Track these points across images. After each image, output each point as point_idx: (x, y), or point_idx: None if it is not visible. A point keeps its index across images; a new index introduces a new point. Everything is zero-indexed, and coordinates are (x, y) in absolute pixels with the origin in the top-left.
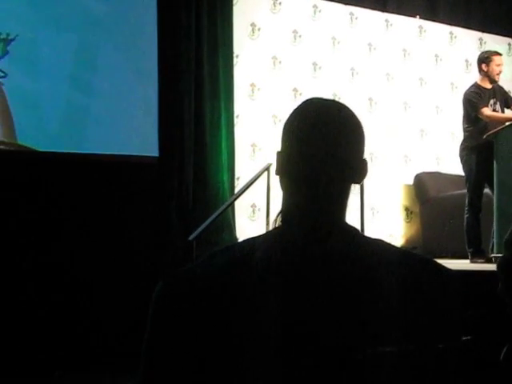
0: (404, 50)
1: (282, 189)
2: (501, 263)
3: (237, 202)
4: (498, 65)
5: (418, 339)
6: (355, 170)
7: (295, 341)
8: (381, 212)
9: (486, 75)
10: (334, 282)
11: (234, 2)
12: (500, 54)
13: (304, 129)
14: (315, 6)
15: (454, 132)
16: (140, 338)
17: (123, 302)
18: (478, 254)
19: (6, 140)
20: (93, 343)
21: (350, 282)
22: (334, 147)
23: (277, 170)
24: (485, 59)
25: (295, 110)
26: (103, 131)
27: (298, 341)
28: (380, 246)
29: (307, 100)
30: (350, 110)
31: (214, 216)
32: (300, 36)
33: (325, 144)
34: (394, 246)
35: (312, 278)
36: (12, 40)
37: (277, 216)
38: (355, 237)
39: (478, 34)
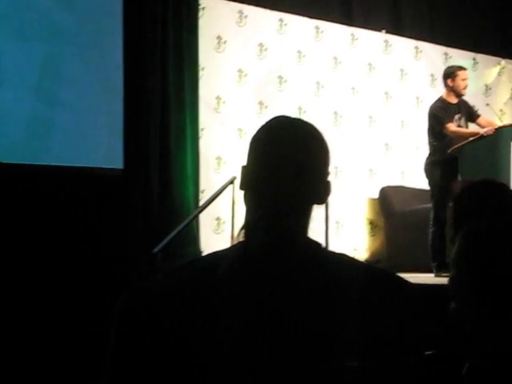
0: (369, 64)
1: (245, 203)
2: (449, 282)
3: (201, 215)
4: (464, 79)
5: (379, 353)
6: (318, 191)
7: (257, 353)
8: (345, 225)
9: (452, 90)
10: (295, 296)
11: (200, 14)
12: (465, 69)
13: (270, 146)
14: (281, 20)
15: (418, 146)
16: (103, 351)
17: (86, 314)
18: (443, 268)
19: None
20: (53, 356)
21: (311, 296)
22: (298, 167)
23: (241, 185)
24: (450, 74)
25: (263, 126)
26: (68, 143)
27: (259, 354)
28: (342, 260)
29: (275, 117)
30: (317, 130)
31: (178, 229)
32: (266, 49)
33: (289, 163)
34: (356, 260)
35: (274, 293)
36: None
37: (240, 230)
38: (317, 251)
39: (444, 49)
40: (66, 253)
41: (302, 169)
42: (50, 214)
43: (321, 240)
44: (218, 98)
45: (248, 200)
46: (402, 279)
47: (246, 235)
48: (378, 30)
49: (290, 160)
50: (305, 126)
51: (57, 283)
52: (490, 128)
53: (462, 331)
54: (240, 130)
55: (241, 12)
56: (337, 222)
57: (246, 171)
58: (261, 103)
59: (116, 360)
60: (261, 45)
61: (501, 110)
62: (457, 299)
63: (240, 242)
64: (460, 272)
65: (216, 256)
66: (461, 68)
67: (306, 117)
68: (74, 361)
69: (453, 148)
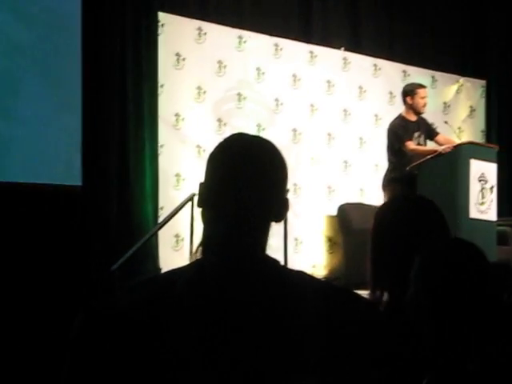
0: (328, 82)
1: (203, 220)
2: (407, 299)
3: (160, 232)
4: (423, 97)
5: (338, 370)
6: (276, 208)
7: (216, 371)
8: (304, 242)
9: (411, 108)
10: (253, 314)
11: (159, 31)
12: (424, 87)
13: (227, 163)
14: (240, 37)
15: (377, 164)
16: (59, 372)
17: (44, 333)
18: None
19: None
20: (9, 379)
21: (269, 314)
22: (255, 185)
23: (198, 202)
24: (409, 92)
25: (220, 143)
26: (26, 159)
27: (218, 371)
28: (300, 277)
29: (233, 134)
30: (275, 148)
31: (137, 246)
32: (225, 66)
33: (246, 180)
34: (314, 278)
35: (231, 310)
36: None
37: (197, 248)
38: (275, 268)
39: (402, 67)
40: (23, 270)
41: (260, 186)
42: (6, 231)
43: (280, 257)
44: (177, 114)
45: (205, 217)
46: (360, 296)
47: (204, 253)
48: (337, 47)
49: (247, 177)
50: (263, 144)
51: (12, 302)
52: (448, 145)
53: (420, 347)
54: (199, 146)
55: (200, 29)
56: (295, 239)
57: (204, 188)
58: (220, 120)
59: (72, 381)
60: (220, 62)
61: (459, 128)
62: (414, 315)
63: (198, 260)
64: (418, 289)
65: (174, 273)
66: (420, 86)
67: (264, 134)
68: (29, 381)
69: (412, 165)
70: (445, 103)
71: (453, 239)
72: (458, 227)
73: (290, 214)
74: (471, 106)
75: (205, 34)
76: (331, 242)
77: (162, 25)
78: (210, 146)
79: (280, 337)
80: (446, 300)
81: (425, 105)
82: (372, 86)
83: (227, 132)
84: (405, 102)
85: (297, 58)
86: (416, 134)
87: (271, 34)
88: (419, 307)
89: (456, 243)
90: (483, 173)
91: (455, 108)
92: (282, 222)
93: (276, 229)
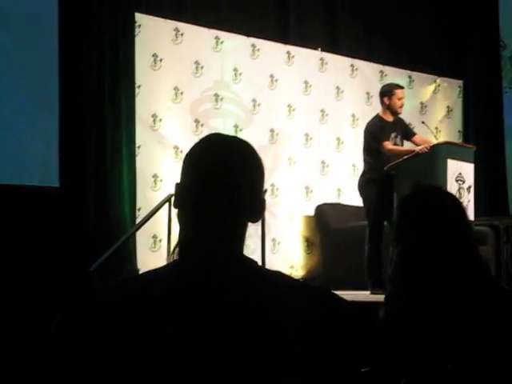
0: (306, 82)
1: (179, 221)
2: (385, 298)
3: (138, 233)
4: (400, 98)
5: (314, 370)
6: (252, 209)
7: (194, 371)
8: (282, 243)
9: (388, 108)
10: (230, 314)
11: (136, 32)
12: (402, 88)
13: (203, 163)
14: (217, 38)
15: (355, 164)
16: (37, 372)
17: (21, 334)
18: (378, 285)
19: None
20: None
21: (246, 314)
22: (231, 185)
23: (174, 202)
24: (387, 92)
25: (196, 143)
26: (3, 161)
27: (196, 371)
28: (278, 277)
29: (209, 135)
30: (252, 148)
31: (114, 247)
32: (202, 67)
33: (223, 181)
34: (291, 278)
35: (208, 311)
36: None
37: (174, 248)
38: (252, 269)
39: (379, 67)
40: (1, 272)
41: (236, 186)
42: None
43: (257, 257)
44: (154, 115)
45: (182, 218)
46: (337, 296)
47: (180, 253)
48: (314, 48)
49: (222, 177)
50: (239, 144)
51: None
52: (425, 145)
53: (397, 348)
54: (176, 147)
55: (177, 30)
56: (273, 240)
57: (180, 189)
58: (197, 121)
59: (50, 381)
60: (197, 62)
61: (436, 128)
62: (392, 315)
63: (175, 261)
64: (396, 288)
65: (152, 274)
66: (398, 86)
67: (242, 135)
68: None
69: (389, 165)
70: (422, 103)
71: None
72: None
73: (267, 215)
74: (448, 106)
75: (182, 34)
76: (309, 242)
77: (139, 25)
78: (188, 147)
79: (258, 336)
80: (422, 298)
81: (402, 105)
82: (349, 87)
83: (204, 133)
84: (382, 102)
85: (274, 59)
86: (393, 135)
87: (248, 35)
88: (397, 306)
89: (433, 241)
90: (460, 173)
91: (432, 108)
92: (260, 223)
93: (253, 229)
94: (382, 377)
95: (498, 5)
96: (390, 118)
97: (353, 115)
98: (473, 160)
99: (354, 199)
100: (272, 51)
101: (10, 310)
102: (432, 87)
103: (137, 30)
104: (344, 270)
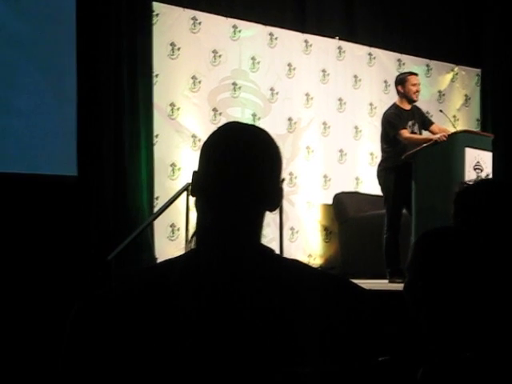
0: (323, 71)
1: (197, 209)
2: (404, 287)
3: (156, 222)
4: (414, 84)
5: (334, 359)
6: (269, 197)
7: (213, 360)
8: (300, 232)
9: (404, 96)
10: (249, 303)
11: (154, 21)
12: (416, 74)
13: (220, 152)
14: (235, 26)
15: (372, 152)
16: (56, 362)
17: (41, 322)
18: (397, 273)
19: None
20: (6, 368)
21: (264, 302)
22: (249, 173)
23: (192, 190)
24: (400, 81)
25: (214, 132)
26: (22, 150)
27: (215, 360)
28: (296, 266)
29: (227, 123)
30: (269, 137)
31: (132, 236)
32: (220, 56)
33: (241, 169)
34: (309, 266)
35: (226, 299)
36: None
37: (191, 237)
38: (270, 257)
39: (397, 55)
40: (20, 260)
41: (253, 174)
42: (2, 221)
43: (275, 246)
44: (172, 104)
45: (199, 206)
46: (356, 284)
47: (198, 242)
48: (332, 36)
49: (240, 165)
50: (257, 132)
51: (10, 291)
52: (443, 134)
53: (416, 336)
54: (194, 136)
55: (194, 19)
56: (291, 229)
57: (197, 177)
58: (215, 110)
59: (70, 370)
60: (215, 51)
61: (454, 116)
62: (411, 304)
63: (192, 249)
64: (414, 277)
65: (170, 263)
66: (411, 73)
67: (260, 123)
68: (26, 370)
69: (406, 154)
70: (440, 92)
71: (444, 227)
72: None
73: (285, 204)
74: (466, 95)
75: (199, 23)
76: (327, 231)
77: (157, 15)
78: (205, 136)
79: (276, 325)
80: (440, 287)
81: (417, 91)
82: (367, 75)
83: (222, 121)
84: (398, 91)
85: (292, 48)
86: (410, 123)
87: (266, 24)
88: (415, 296)
89: (445, 230)
90: (478, 161)
91: (450, 97)
92: (278, 212)
93: (272, 218)
94: (400, 366)
95: None
96: (407, 107)
97: (370, 104)
98: (491, 148)
99: (372, 188)
100: (290, 40)
101: (29, 299)
102: (450, 76)
103: (154, 19)
104: (362, 259)
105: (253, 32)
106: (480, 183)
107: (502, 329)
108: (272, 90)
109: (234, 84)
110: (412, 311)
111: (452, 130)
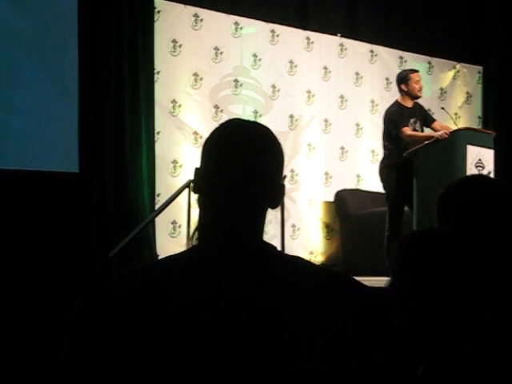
0: (325, 68)
1: (199, 206)
2: (386, 289)
3: (157, 219)
4: (417, 82)
5: (335, 355)
6: (271, 194)
7: (213, 357)
8: (301, 229)
9: (407, 94)
10: (250, 300)
11: (155, 18)
12: (417, 71)
13: (222, 148)
14: (236, 23)
15: (374, 150)
16: (56, 358)
17: (42, 319)
18: None
19: None
20: (5, 363)
21: (266, 298)
22: (250, 170)
23: (194, 187)
24: (403, 79)
25: (216, 129)
26: (23, 147)
27: (216, 357)
28: (297, 262)
29: (229, 120)
30: (271, 133)
31: (134, 233)
32: (221, 53)
33: (242, 165)
34: (311, 263)
35: (228, 296)
36: None
37: (193, 233)
38: (272, 254)
39: (399, 53)
40: (22, 257)
41: (255, 172)
42: (4, 218)
43: (277, 243)
44: (173, 101)
45: (201, 203)
46: (357, 281)
47: (200, 238)
48: (334, 33)
49: (242, 162)
50: (259, 129)
51: (11, 288)
52: (445, 131)
53: (417, 333)
54: (196, 133)
55: (196, 15)
56: (293, 226)
57: (199, 174)
58: (216, 107)
59: (71, 366)
60: (216, 48)
61: (456, 114)
62: (393, 306)
63: (194, 246)
64: (394, 279)
65: (171, 260)
66: (413, 71)
67: (261, 121)
68: (27, 366)
69: (408, 151)
70: (441, 89)
71: (427, 229)
72: None
73: (287, 201)
74: (468, 92)
75: (201, 20)
76: (328, 228)
77: (159, 11)
78: (207, 133)
79: (278, 321)
80: (421, 290)
81: (421, 88)
82: (369, 72)
83: (224, 118)
84: (400, 89)
85: (293, 45)
86: (412, 120)
87: (268, 21)
88: (397, 299)
89: (428, 233)
90: (480, 159)
91: (452, 94)
92: (279, 209)
93: (273, 215)
94: (401, 362)
95: None
96: (409, 104)
97: (372, 101)
98: (492, 146)
99: (374, 185)
100: (291, 37)
101: (30, 295)
102: (451, 73)
103: (156, 16)
104: (364, 256)
105: (254, 29)
106: (459, 183)
107: (482, 331)
108: (273, 87)
109: (236, 81)
110: (393, 313)
111: (453, 127)
